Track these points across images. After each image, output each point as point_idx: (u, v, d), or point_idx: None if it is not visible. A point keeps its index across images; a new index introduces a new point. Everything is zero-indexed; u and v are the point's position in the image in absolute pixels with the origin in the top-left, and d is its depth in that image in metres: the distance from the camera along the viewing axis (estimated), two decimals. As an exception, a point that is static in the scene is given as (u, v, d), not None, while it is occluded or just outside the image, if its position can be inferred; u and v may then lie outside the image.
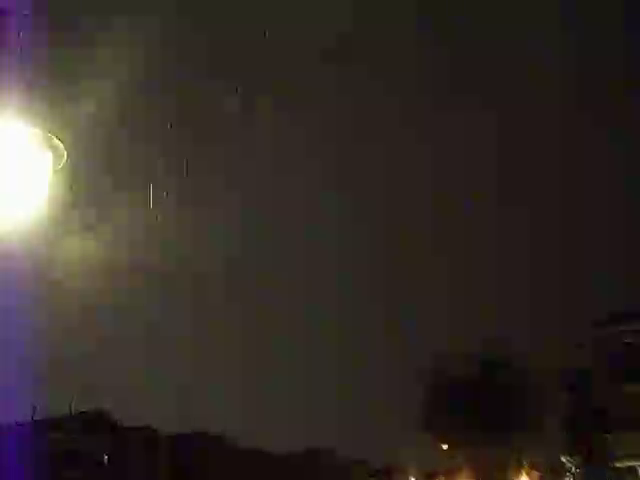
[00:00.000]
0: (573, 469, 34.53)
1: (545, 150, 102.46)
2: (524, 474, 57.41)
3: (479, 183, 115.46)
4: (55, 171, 3.99)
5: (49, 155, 3.90)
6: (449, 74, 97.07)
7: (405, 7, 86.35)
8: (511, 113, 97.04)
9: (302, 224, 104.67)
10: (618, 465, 30.68)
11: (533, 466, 58.94)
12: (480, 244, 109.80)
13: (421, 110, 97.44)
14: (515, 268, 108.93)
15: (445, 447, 50.29)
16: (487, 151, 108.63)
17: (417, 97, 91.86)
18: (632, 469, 30.34)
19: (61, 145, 3.91)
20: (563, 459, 36.48)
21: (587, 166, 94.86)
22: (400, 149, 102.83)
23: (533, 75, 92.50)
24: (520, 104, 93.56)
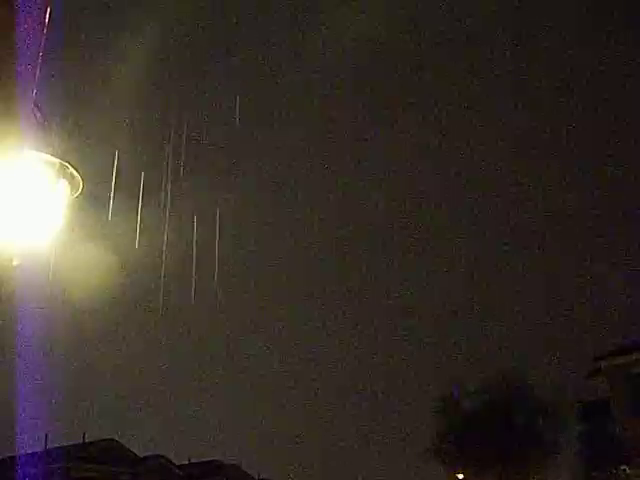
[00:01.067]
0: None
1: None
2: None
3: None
4: (72, 199, 4.10)
5: (65, 184, 4.01)
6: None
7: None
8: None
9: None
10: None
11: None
12: (495, 271, 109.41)
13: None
14: (530, 296, 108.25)
15: (460, 477, 49.88)
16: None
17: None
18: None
19: (77, 174, 4.02)
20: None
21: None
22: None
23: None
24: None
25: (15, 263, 3.78)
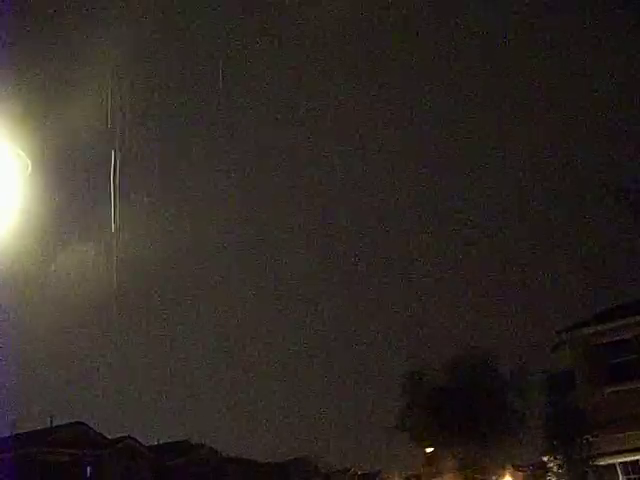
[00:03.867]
0: (555, 469, 34.76)
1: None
2: (507, 475, 57.74)
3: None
4: (22, 180, 4.04)
5: (16, 165, 3.95)
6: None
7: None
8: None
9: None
10: (598, 463, 31.03)
11: (516, 467, 59.36)
12: (460, 248, 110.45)
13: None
14: (495, 270, 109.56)
15: (430, 450, 50.46)
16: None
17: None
18: (611, 466, 30.64)
19: (24, 155, 3.96)
20: (545, 459, 36.72)
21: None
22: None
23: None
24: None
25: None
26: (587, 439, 31.61)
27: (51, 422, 49.27)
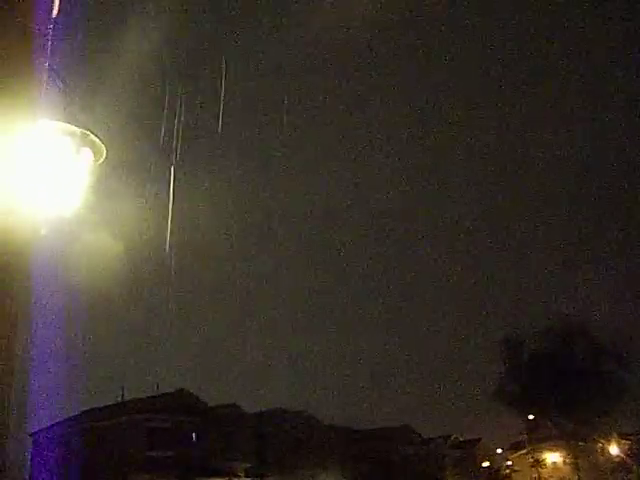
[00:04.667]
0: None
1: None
2: (613, 443, 56.34)
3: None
4: (95, 167, 4.14)
5: (87, 152, 4.04)
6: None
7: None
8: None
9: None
10: None
11: (622, 436, 57.83)
12: (563, 218, 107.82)
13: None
14: (595, 242, 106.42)
15: (531, 417, 49.76)
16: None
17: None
18: None
19: (99, 141, 4.05)
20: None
21: None
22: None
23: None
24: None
25: (43, 232, 3.83)
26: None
27: (157, 389, 50.98)
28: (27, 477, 47.45)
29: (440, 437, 75.97)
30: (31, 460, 48.14)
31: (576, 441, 45.92)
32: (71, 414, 48.46)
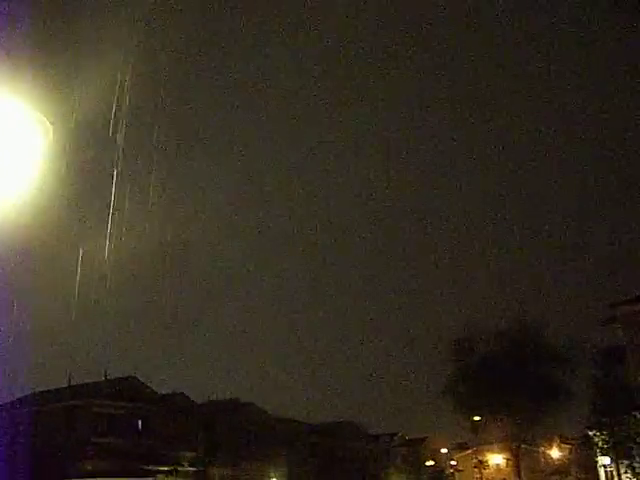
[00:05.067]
0: (601, 444, 34.43)
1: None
2: (554, 447, 57.45)
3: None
4: (43, 145, 4.12)
5: (38, 130, 4.03)
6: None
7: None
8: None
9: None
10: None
11: (563, 439, 58.95)
12: (513, 217, 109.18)
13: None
14: (548, 244, 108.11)
15: (477, 419, 50.31)
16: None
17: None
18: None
19: (46, 120, 4.04)
20: (591, 434, 36.35)
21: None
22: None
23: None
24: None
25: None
26: (635, 416, 31.17)
27: (105, 376, 50.39)
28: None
29: (386, 434, 76.64)
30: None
31: (519, 443, 46.55)
32: (17, 397, 47.82)
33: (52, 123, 4.12)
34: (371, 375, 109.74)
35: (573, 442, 56.95)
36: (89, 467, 44.24)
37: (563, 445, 58.72)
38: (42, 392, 50.48)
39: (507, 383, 42.38)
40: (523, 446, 48.33)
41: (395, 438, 78.03)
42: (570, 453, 59.02)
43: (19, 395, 47.87)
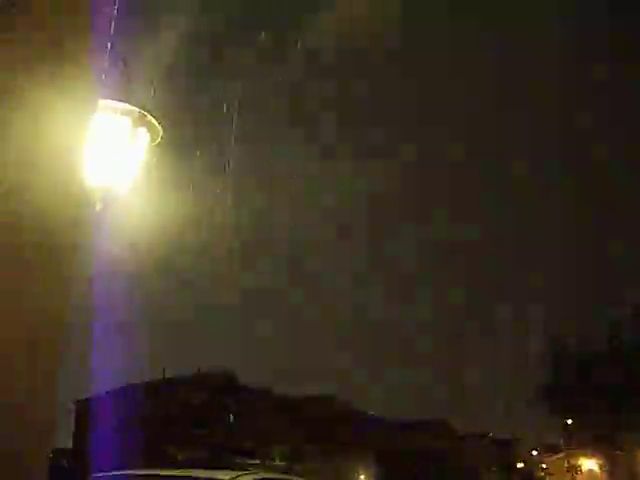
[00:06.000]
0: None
1: None
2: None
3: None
4: (152, 146, 4.23)
5: (144, 132, 4.14)
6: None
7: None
8: None
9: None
10: None
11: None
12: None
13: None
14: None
15: (569, 422, 49.16)
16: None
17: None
18: None
19: (155, 122, 4.14)
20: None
21: None
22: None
23: None
24: None
25: (98, 208, 3.95)
26: None
27: (198, 370, 51.35)
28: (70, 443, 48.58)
29: (477, 435, 75.62)
30: (76, 425, 49.18)
31: (614, 449, 45.20)
32: (114, 388, 49.30)
33: (163, 127, 4.23)
34: (463, 377, 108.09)
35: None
36: (183, 457, 45.30)
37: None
38: (138, 384, 51.85)
39: (601, 386, 41.28)
40: (618, 452, 46.87)
41: (485, 438, 76.92)
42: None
43: (115, 386, 49.32)
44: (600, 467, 55.85)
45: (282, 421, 52.89)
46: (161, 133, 4.22)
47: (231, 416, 50.76)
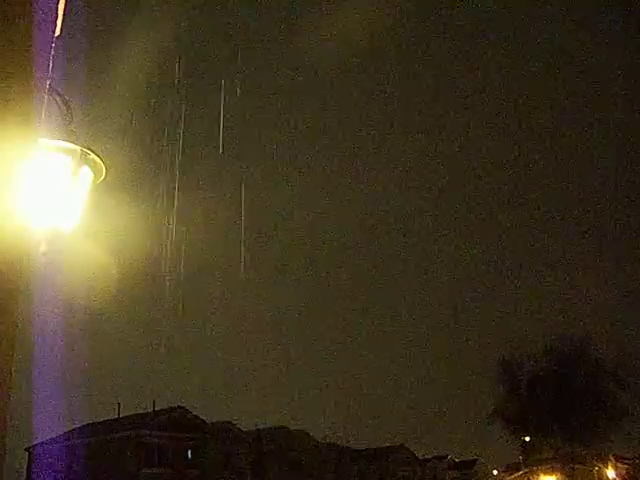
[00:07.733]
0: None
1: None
2: (610, 467, 56.05)
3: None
4: (94, 186, 4.14)
5: (87, 170, 4.05)
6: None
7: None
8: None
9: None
10: None
11: (619, 459, 57.48)
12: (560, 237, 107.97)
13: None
14: (594, 263, 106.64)
15: (527, 439, 49.52)
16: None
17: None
18: None
19: (99, 160, 4.06)
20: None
21: None
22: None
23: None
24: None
25: (42, 249, 3.84)
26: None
27: (153, 406, 50.72)
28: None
29: (436, 458, 75.70)
30: (27, 473, 48.04)
31: (573, 463, 45.62)
32: (68, 429, 48.49)
33: (107, 166, 4.15)
34: (418, 399, 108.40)
35: (629, 461, 55.54)
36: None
37: (619, 464, 57.21)
38: (91, 424, 50.99)
39: (556, 401, 41.73)
40: (577, 466, 47.32)
41: (445, 461, 77.05)
42: (627, 473, 57.49)
43: (70, 427, 48.49)
44: (560, 482, 56.31)
45: (240, 454, 52.33)
46: (104, 171, 4.14)
47: (189, 452, 50.04)
